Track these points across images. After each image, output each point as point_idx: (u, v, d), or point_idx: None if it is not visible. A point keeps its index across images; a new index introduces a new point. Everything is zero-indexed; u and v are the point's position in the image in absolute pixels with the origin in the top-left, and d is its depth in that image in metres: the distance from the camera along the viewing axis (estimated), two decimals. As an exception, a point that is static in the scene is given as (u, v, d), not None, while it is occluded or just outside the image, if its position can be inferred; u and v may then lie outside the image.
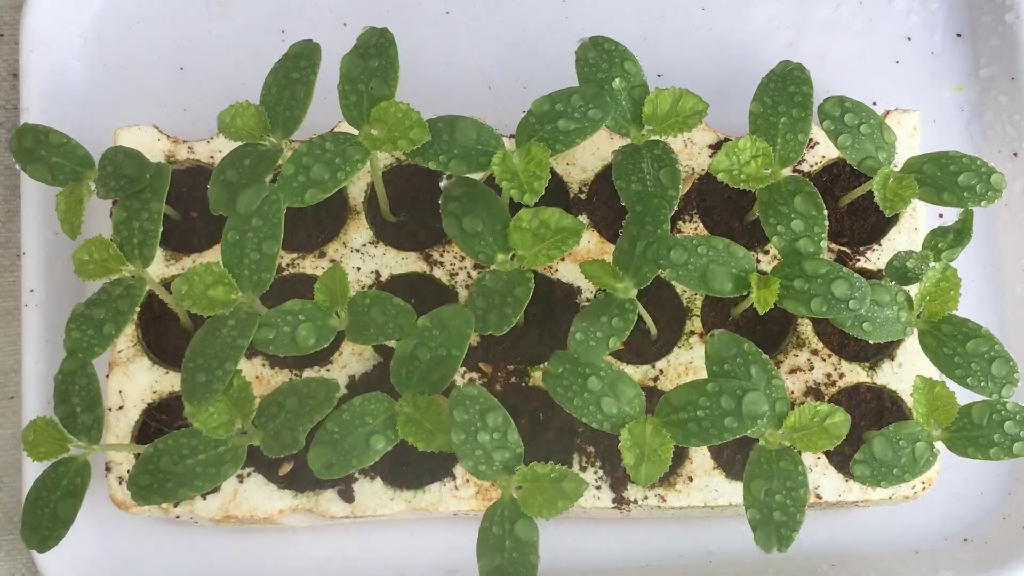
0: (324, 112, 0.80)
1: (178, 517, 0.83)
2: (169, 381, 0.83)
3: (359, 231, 0.85)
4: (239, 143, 0.76)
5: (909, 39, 0.94)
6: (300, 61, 0.76)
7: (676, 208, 0.74)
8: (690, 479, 0.81)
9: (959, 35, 0.94)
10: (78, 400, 0.73)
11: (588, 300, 0.83)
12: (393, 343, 0.75)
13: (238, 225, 0.72)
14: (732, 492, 0.81)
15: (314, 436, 0.70)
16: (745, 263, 0.72)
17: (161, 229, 0.74)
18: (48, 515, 0.73)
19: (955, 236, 0.75)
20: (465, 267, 0.84)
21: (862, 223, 0.85)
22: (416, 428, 0.69)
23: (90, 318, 0.74)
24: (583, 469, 0.81)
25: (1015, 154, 0.91)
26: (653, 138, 0.77)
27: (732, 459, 0.81)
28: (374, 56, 0.74)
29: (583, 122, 0.74)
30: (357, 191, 0.85)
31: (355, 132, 0.73)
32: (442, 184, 0.85)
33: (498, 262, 0.73)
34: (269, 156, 0.75)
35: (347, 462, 0.69)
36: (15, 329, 0.91)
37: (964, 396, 0.73)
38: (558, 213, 0.72)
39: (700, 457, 0.81)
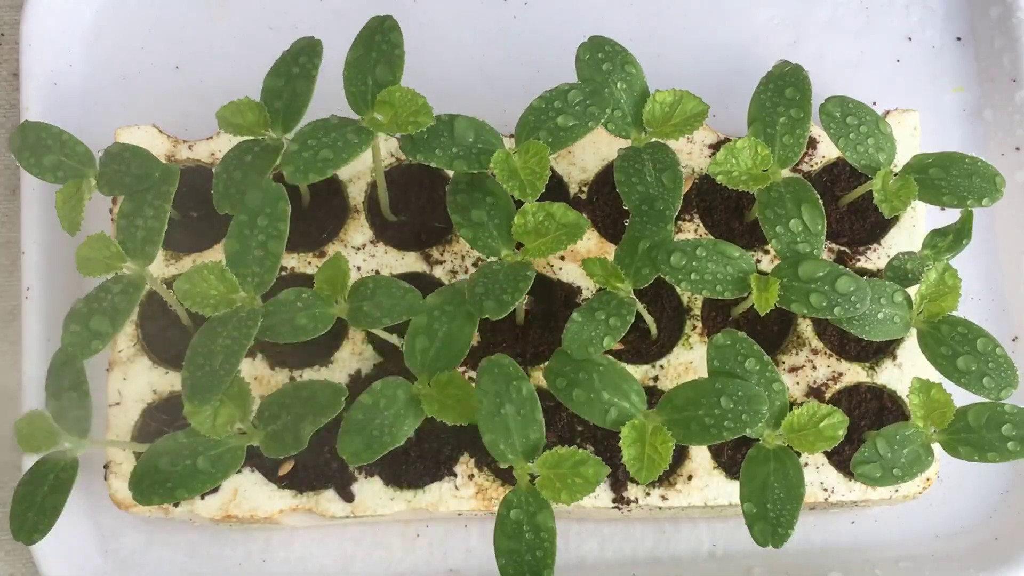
0: (323, 110, 0.80)
1: (177, 517, 0.83)
2: (169, 381, 0.83)
3: (359, 231, 0.85)
4: (239, 140, 0.76)
5: (909, 39, 0.94)
6: (301, 57, 0.76)
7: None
8: (690, 478, 0.81)
9: (959, 36, 0.94)
10: (67, 396, 0.73)
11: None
12: (395, 340, 0.75)
13: (243, 224, 0.72)
14: (732, 492, 0.81)
15: (317, 434, 0.70)
16: (744, 265, 0.72)
17: (165, 227, 0.74)
18: (35, 508, 0.73)
19: (955, 236, 0.75)
20: (465, 266, 0.84)
21: (862, 223, 0.85)
22: (440, 405, 0.70)
23: (88, 315, 0.73)
24: (583, 469, 0.81)
25: (1015, 153, 0.91)
26: (654, 140, 0.77)
27: (732, 459, 0.81)
28: (379, 43, 0.74)
29: (582, 118, 0.74)
30: (357, 191, 0.85)
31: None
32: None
33: (502, 256, 0.73)
34: (270, 151, 0.75)
35: (379, 445, 0.70)
36: (15, 329, 0.91)
37: (963, 397, 0.73)
38: (563, 207, 0.72)
39: (700, 457, 0.81)
